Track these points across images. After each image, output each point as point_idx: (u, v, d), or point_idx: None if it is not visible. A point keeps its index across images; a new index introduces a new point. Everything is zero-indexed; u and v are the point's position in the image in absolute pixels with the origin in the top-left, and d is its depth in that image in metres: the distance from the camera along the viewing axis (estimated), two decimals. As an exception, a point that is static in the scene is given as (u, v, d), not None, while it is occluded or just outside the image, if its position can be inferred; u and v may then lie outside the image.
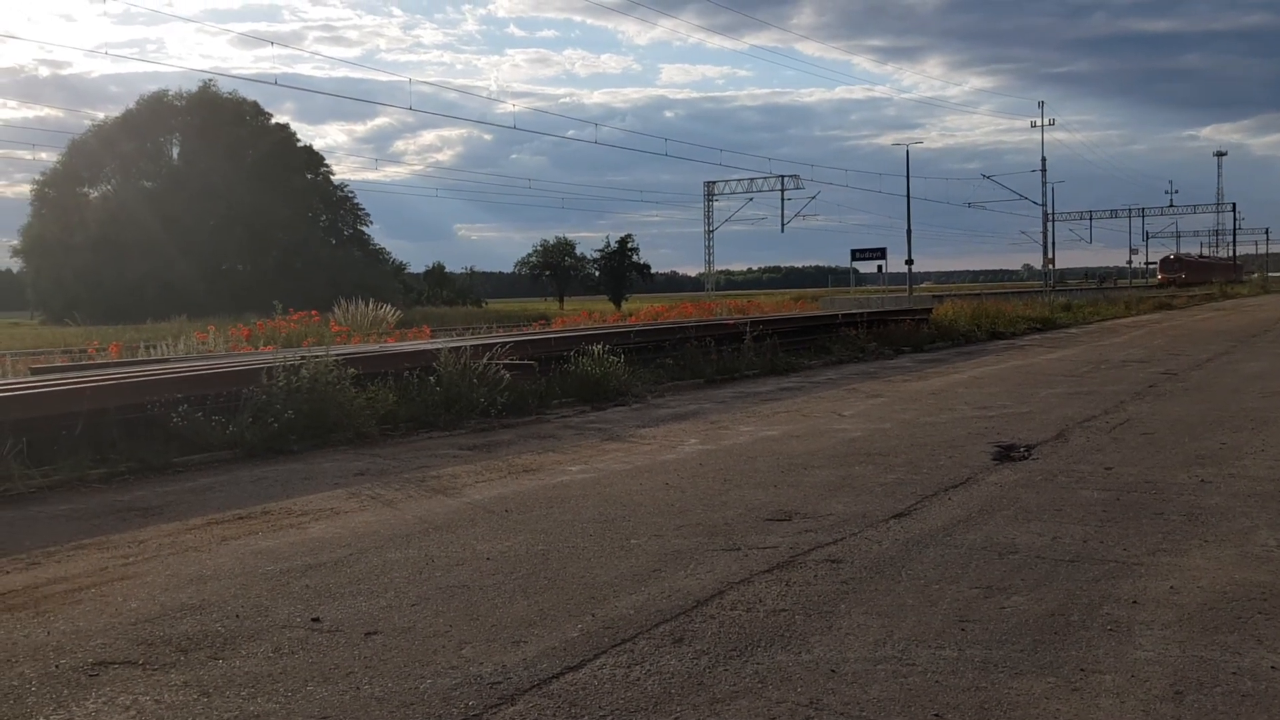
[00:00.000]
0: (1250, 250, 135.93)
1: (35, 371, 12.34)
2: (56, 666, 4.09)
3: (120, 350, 17.03)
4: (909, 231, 55.07)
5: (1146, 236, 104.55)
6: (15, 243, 68.60)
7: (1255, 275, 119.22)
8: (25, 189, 72.08)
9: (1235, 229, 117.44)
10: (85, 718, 3.61)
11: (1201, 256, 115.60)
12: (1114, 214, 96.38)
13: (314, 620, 4.58)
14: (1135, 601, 4.64)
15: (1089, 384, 14.35)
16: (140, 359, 14.43)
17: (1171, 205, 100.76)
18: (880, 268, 56.38)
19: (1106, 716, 3.46)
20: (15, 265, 74.23)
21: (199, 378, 9.95)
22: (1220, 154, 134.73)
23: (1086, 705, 3.55)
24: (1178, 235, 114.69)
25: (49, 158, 66.77)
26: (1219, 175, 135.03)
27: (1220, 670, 3.83)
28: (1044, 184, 64.15)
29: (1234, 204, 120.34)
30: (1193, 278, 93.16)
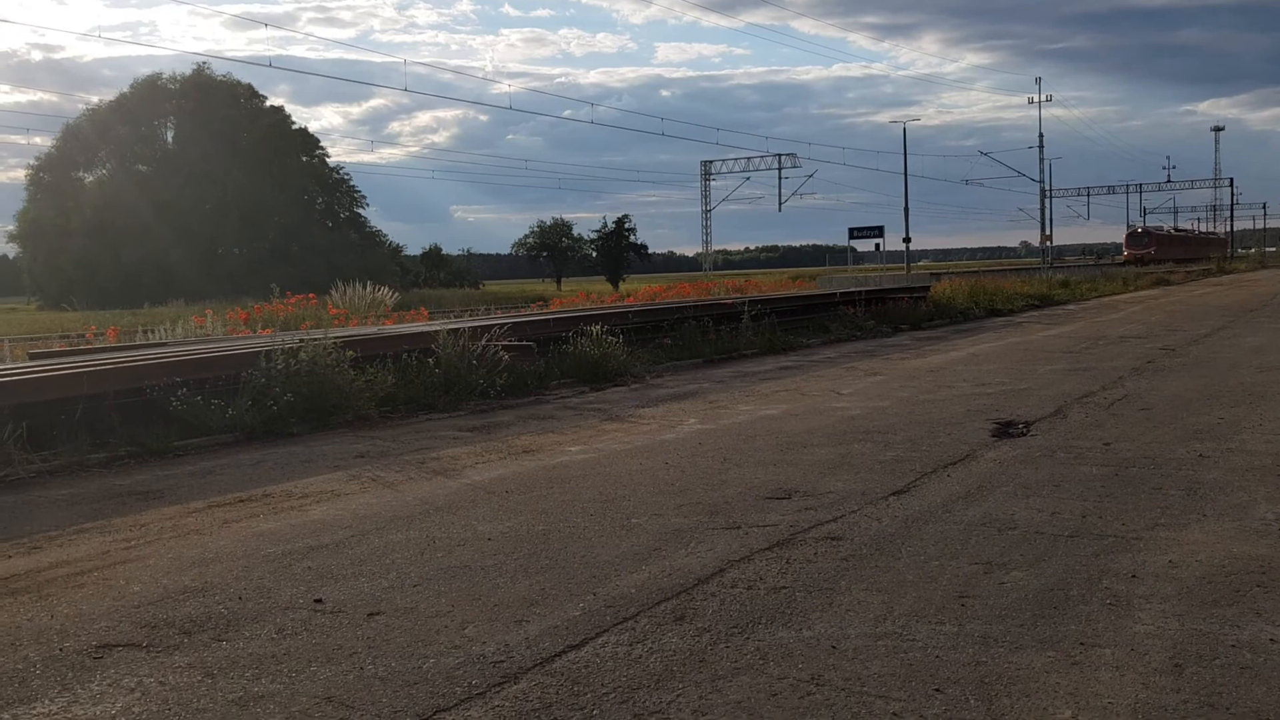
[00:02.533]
0: (1248, 225, 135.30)
1: (34, 356, 12.34)
2: (60, 649, 4.10)
3: (118, 335, 17.02)
4: (906, 209, 55.04)
5: (1144, 212, 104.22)
6: (11, 228, 68.47)
7: (1254, 250, 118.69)
8: (20, 174, 71.96)
9: (1233, 204, 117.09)
10: (90, 700, 3.62)
11: (1177, 229, 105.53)
12: (1111, 190, 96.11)
13: (316, 601, 4.60)
14: (1134, 576, 4.66)
15: (1087, 360, 14.36)
16: (138, 343, 14.42)
17: (1169, 181, 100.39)
18: (878, 246, 56.44)
19: (1106, 689, 3.48)
20: (11, 250, 74.16)
21: (197, 361, 9.95)
22: (1218, 129, 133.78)
23: (1086, 678, 3.57)
24: (1175, 211, 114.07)
25: (43, 142, 66.68)
26: (1216, 150, 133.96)
27: (1219, 643, 3.85)
28: (1041, 160, 64.08)
29: (1231, 179, 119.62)
30: (1165, 254, 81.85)
